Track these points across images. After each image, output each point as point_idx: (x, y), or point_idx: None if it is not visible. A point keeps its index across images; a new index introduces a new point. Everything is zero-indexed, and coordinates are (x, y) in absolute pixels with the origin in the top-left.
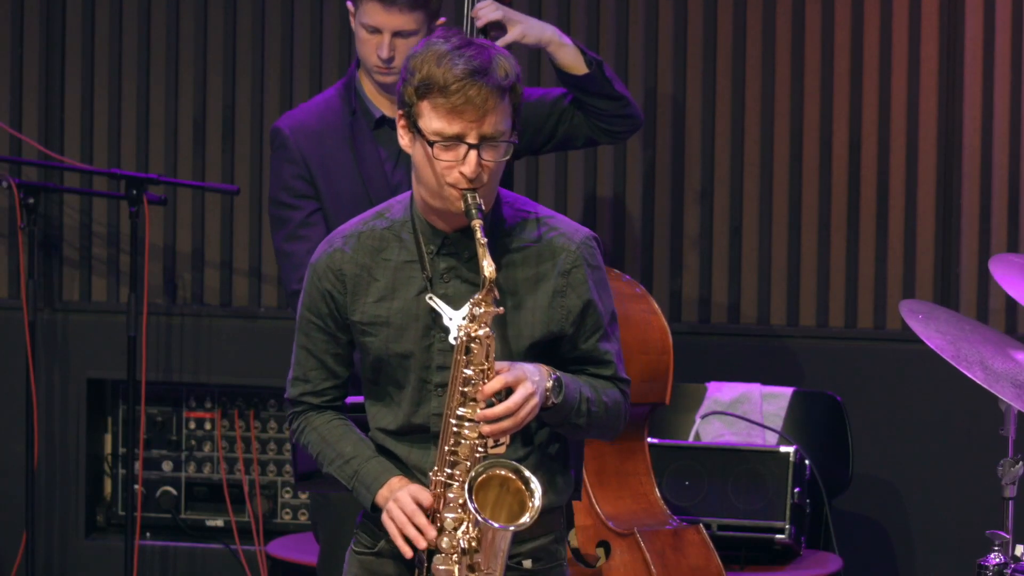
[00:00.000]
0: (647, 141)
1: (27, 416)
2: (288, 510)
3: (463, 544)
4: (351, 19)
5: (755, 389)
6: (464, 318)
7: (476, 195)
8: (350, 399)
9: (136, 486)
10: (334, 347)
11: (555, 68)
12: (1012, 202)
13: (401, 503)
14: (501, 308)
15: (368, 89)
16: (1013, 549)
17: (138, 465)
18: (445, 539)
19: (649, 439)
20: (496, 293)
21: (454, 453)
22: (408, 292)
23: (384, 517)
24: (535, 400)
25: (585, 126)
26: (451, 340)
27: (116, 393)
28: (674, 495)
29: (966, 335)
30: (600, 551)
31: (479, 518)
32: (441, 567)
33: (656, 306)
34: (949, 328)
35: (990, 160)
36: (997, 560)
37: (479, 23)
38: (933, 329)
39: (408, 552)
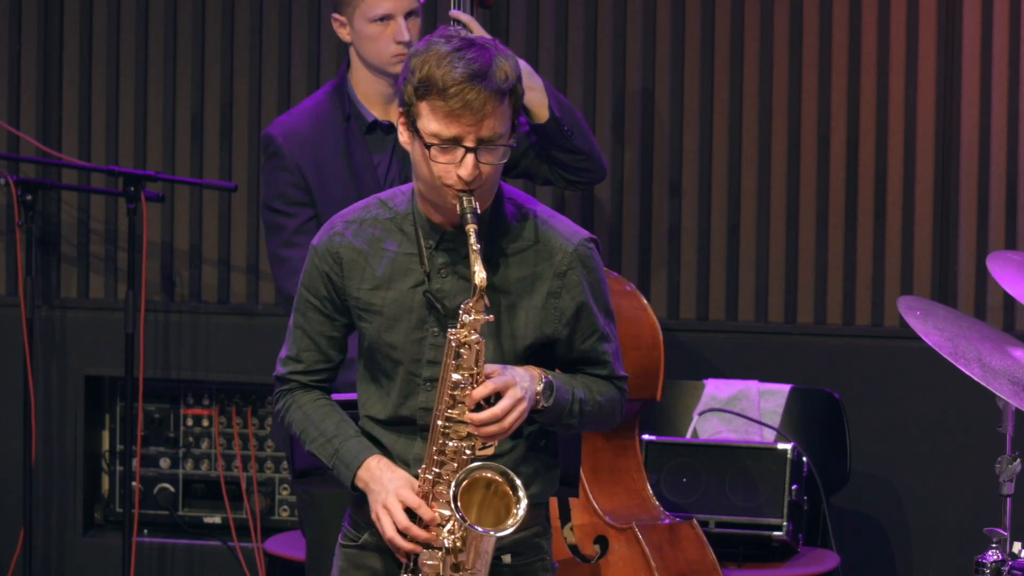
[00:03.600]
0: (644, 137)
1: (25, 413)
2: (286, 507)
3: (447, 543)
4: (341, 30)
5: (753, 386)
6: (455, 324)
7: (472, 198)
8: (336, 396)
9: (134, 483)
10: (329, 329)
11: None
12: (1009, 199)
13: (393, 513)
14: (491, 316)
15: (360, 93)
16: (1011, 546)
17: (136, 462)
18: (432, 533)
19: (647, 436)
20: (487, 300)
21: (442, 453)
22: (404, 284)
23: (374, 516)
24: (523, 406)
25: (545, 168)
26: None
27: (114, 390)
28: (672, 492)
29: (964, 332)
30: (597, 547)
31: (464, 523)
32: (428, 562)
33: (645, 302)
34: (947, 325)
35: (988, 157)
36: (995, 557)
37: None
38: (931, 326)
39: (402, 556)
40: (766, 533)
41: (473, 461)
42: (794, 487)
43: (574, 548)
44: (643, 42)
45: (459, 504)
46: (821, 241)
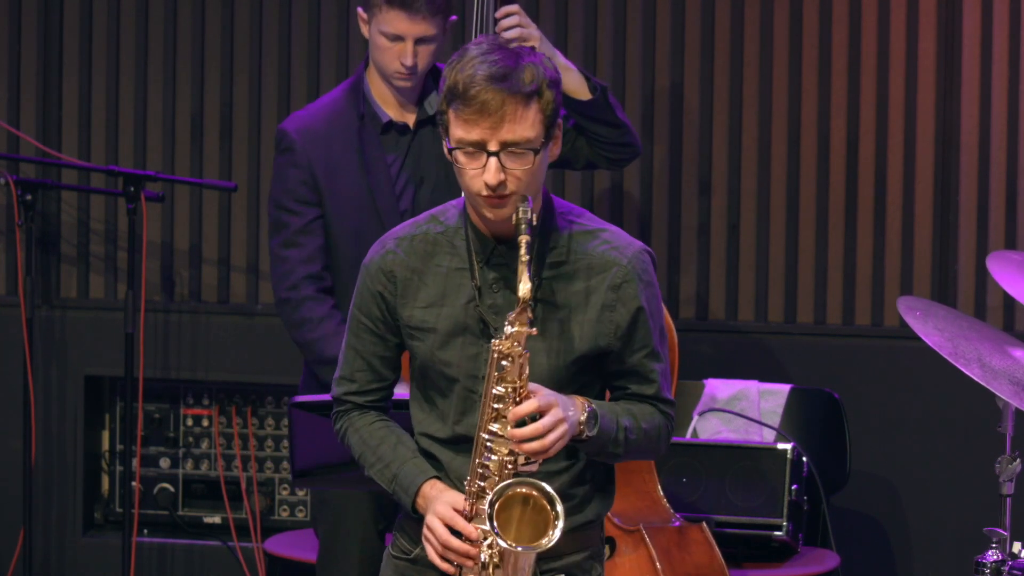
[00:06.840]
0: (644, 137)
1: (25, 413)
2: (285, 507)
3: (483, 558)
4: (363, 26)
5: (752, 386)
6: (500, 335)
7: (527, 208)
8: (397, 394)
9: (134, 483)
10: (382, 349)
11: None
12: (1009, 199)
13: (437, 532)
14: (534, 329)
15: (376, 93)
16: (1010, 546)
17: (136, 462)
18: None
19: None
20: (531, 313)
21: (485, 467)
22: (457, 300)
23: (423, 534)
24: (564, 427)
25: (586, 150)
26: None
27: (114, 390)
28: (672, 492)
29: (964, 332)
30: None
31: (498, 540)
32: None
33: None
34: (947, 325)
35: (987, 157)
36: (995, 557)
37: (504, 31)
38: (931, 326)
39: (452, 570)
40: (766, 533)
41: (514, 476)
42: (794, 487)
43: None
44: (643, 42)
45: (495, 520)
46: (821, 241)
